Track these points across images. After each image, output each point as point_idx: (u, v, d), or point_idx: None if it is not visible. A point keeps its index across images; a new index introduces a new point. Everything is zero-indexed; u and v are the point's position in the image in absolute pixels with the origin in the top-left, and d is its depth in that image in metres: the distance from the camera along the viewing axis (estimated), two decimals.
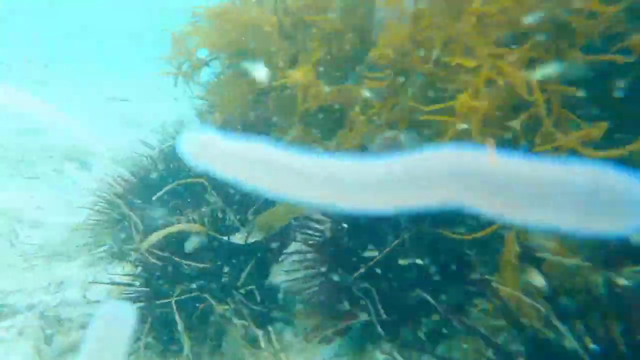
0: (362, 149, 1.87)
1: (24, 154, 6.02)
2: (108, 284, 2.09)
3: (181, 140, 0.73)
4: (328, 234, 1.77)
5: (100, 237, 3.00)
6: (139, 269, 2.00)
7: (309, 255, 1.87)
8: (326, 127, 2.09)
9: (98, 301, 2.07)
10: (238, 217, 2.10)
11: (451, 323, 1.36)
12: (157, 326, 1.91)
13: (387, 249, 1.49)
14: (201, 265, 1.86)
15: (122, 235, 2.92)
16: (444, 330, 1.45)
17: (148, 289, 1.94)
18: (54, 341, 1.98)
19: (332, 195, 0.64)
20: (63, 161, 6.27)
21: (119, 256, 2.78)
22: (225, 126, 2.66)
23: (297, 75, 1.87)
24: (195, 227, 2.00)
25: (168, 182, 3.12)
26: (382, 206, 0.63)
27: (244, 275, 1.92)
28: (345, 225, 1.69)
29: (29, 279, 2.57)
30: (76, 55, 12.76)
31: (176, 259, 1.88)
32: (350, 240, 1.69)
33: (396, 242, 1.50)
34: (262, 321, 1.86)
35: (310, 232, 1.85)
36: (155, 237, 1.95)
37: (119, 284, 2.04)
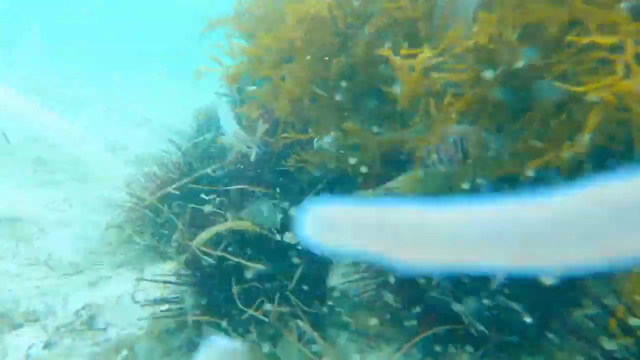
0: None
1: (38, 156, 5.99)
2: (157, 281, 2.03)
3: (301, 220, 0.60)
4: None
5: (135, 235, 2.94)
6: (187, 268, 1.93)
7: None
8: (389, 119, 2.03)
9: (144, 303, 2.00)
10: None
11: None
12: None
13: None
14: (256, 266, 1.79)
15: (159, 233, 2.87)
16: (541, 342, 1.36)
17: (198, 289, 1.88)
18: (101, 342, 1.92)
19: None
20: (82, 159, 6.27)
21: (160, 254, 2.72)
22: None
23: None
24: (246, 224, 1.94)
25: (203, 179, 3.10)
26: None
27: (297, 275, 1.85)
28: None
29: (69, 280, 2.52)
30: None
31: (231, 257, 1.81)
32: None
33: None
34: (318, 324, 1.79)
35: None
36: (206, 235, 1.89)
37: (167, 282, 1.97)
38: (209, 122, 6.74)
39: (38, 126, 5.89)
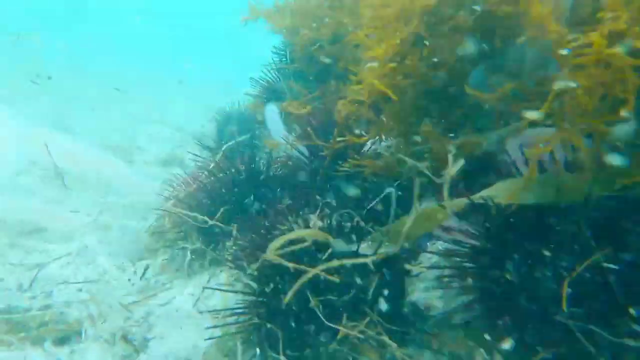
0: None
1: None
2: (224, 291, 1.90)
3: None
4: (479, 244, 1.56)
5: (180, 241, 2.83)
6: (254, 278, 1.81)
7: (448, 271, 1.66)
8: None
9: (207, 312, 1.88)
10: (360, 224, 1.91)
11: None
12: (274, 342, 1.72)
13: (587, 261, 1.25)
14: (329, 278, 1.66)
15: (205, 237, 2.75)
16: None
17: (266, 301, 1.76)
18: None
19: None
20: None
21: (209, 260, 2.61)
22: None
23: None
24: (319, 234, 1.81)
25: (249, 185, 2.99)
26: None
27: (372, 289, 1.72)
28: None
29: (119, 285, 2.42)
30: None
31: (304, 267, 1.69)
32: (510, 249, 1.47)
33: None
34: (399, 341, 1.65)
35: (453, 244, 1.64)
36: (278, 243, 1.77)
37: (234, 291, 1.85)
38: (230, 124, 6.67)
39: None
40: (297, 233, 1.79)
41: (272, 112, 2.96)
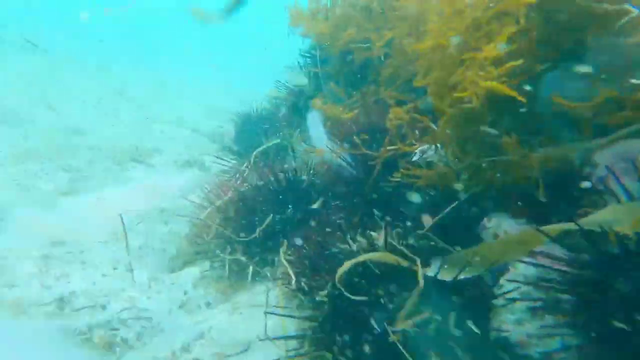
0: None
1: None
2: (286, 316, 1.75)
3: None
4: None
5: (217, 251, 2.68)
6: (324, 305, 1.65)
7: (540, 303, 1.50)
8: None
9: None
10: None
11: None
12: None
13: None
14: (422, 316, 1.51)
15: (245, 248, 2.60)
16: None
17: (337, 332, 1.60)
18: None
19: None
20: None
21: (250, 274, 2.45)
22: None
23: None
24: (390, 257, 1.66)
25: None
26: None
27: (453, 318, 1.56)
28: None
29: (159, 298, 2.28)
30: None
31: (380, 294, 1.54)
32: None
33: None
34: None
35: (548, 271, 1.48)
36: (346, 266, 1.62)
37: (302, 318, 1.70)
38: (249, 124, 6.53)
39: None
40: (368, 257, 1.64)
41: (314, 119, 2.81)
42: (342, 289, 1.55)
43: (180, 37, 17.45)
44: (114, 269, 2.72)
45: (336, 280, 1.58)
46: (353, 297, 1.54)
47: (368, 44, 3.28)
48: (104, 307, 2.19)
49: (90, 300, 2.28)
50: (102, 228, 3.11)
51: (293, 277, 1.73)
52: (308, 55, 4.85)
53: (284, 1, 4.30)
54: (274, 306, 1.99)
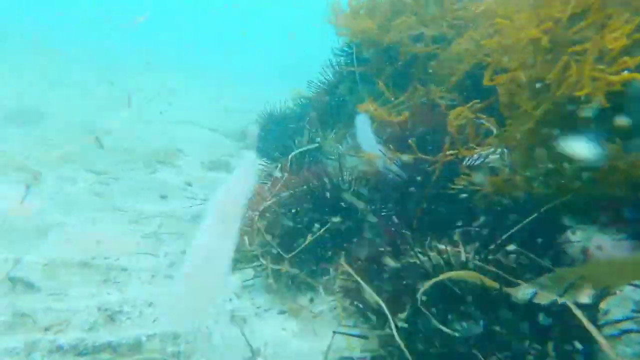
0: None
1: None
2: (358, 336, 1.58)
3: None
4: None
5: (261, 259, 2.53)
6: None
7: None
8: None
9: None
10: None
11: None
12: None
13: None
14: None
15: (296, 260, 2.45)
16: None
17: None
18: None
19: None
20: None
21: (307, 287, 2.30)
22: None
23: None
24: (473, 275, 1.49)
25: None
26: None
27: (551, 349, 1.39)
28: None
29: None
30: None
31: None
32: None
33: None
34: None
35: None
36: (427, 285, 1.45)
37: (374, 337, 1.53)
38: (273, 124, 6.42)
39: None
40: (454, 274, 1.47)
41: (363, 123, 2.65)
42: (429, 314, 1.38)
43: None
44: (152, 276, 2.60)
45: (418, 302, 1.42)
46: (445, 329, 1.37)
47: (418, 41, 3.11)
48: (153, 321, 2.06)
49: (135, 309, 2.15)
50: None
51: (374, 294, 1.56)
52: (341, 54, 4.69)
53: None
54: (340, 324, 1.83)
